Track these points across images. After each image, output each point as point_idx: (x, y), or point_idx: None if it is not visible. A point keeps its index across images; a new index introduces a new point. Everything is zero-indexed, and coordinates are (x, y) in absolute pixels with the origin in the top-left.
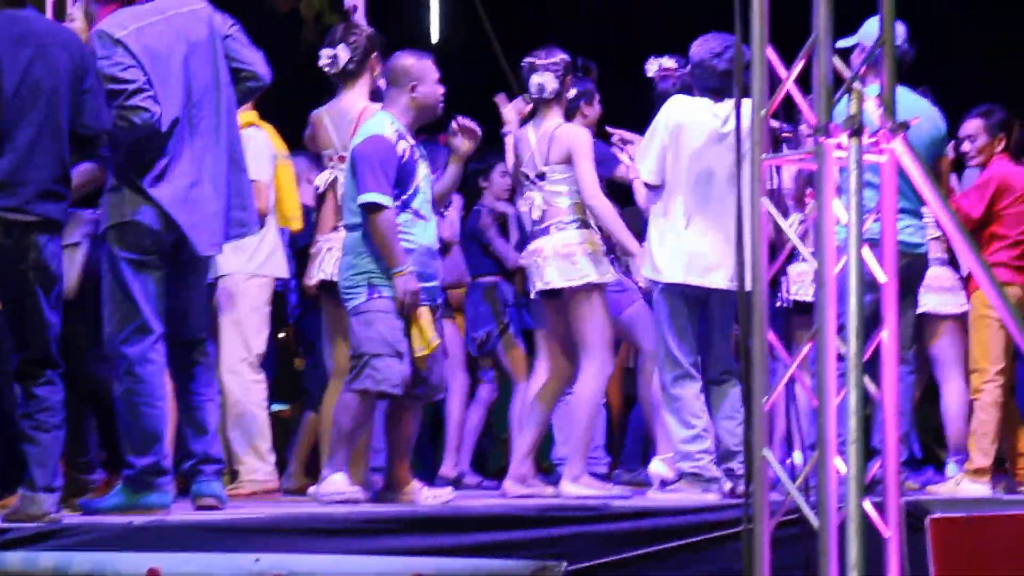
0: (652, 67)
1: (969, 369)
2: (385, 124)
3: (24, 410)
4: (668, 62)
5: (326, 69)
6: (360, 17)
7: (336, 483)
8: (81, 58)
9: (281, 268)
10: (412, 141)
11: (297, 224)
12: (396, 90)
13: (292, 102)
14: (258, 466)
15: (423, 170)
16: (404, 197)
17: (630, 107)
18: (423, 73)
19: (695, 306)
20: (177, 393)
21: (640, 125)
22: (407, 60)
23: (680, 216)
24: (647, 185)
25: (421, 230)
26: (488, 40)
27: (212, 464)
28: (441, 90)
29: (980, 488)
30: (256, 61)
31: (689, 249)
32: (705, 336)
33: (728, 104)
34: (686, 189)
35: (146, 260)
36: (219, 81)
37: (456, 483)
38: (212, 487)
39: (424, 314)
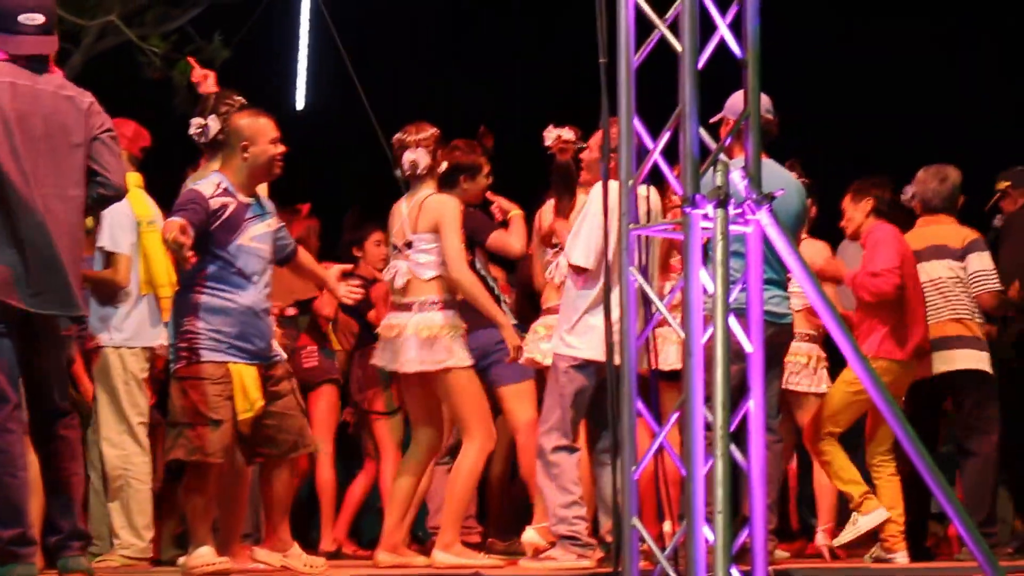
0: (550, 136)
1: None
2: (209, 181)
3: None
4: (567, 133)
5: (195, 138)
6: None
7: (204, 555)
8: None
9: (154, 337)
10: (245, 200)
11: (166, 291)
12: (228, 150)
13: (165, 167)
14: (131, 541)
15: (255, 231)
16: (221, 253)
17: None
18: (255, 133)
19: (595, 383)
20: (41, 465)
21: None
22: (240, 120)
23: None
24: (577, 268)
25: (242, 290)
26: (353, 107)
27: (78, 540)
28: (276, 150)
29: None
30: (114, 170)
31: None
32: (596, 409)
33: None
34: (604, 270)
35: None
36: (55, 172)
37: (335, 555)
38: (79, 562)
39: (246, 375)
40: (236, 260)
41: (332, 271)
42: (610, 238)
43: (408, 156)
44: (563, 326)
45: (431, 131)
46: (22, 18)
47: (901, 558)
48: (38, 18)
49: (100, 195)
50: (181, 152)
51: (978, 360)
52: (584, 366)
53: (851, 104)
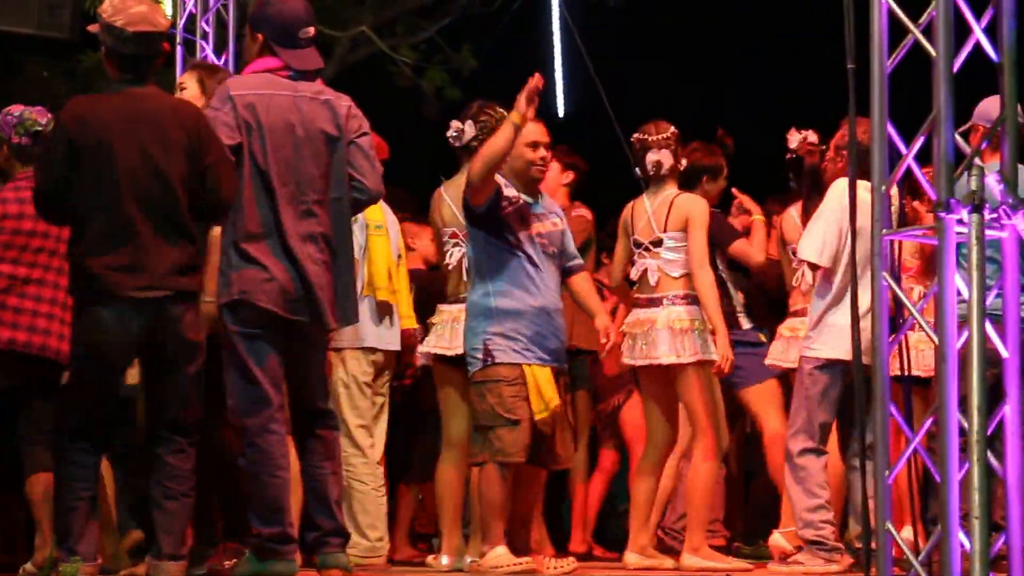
0: (794, 140)
1: None
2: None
3: (154, 477)
4: (812, 136)
5: (451, 141)
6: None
7: (500, 556)
8: (197, 133)
9: (376, 339)
10: (527, 198)
11: (384, 293)
12: None
13: (415, 174)
14: (356, 540)
15: (540, 228)
16: (512, 249)
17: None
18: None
19: (845, 385)
20: (300, 464)
21: (763, 199)
22: None
23: (844, 295)
24: (812, 265)
25: (538, 292)
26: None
27: (337, 536)
28: (531, 154)
29: None
30: (368, 174)
31: (848, 327)
32: (854, 415)
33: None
34: (859, 270)
35: (259, 333)
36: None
37: (586, 556)
38: (337, 558)
39: (540, 375)
40: (528, 252)
41: (601, 320)
42: (859, 239)
43: (652, 156)
44: (808, 327)
45: (671, 130)
46: (302, 32)
47: None
48: (311, 31)
49: (355, 199)
50: (430, 159)
51: None
52: (827, 366)
53: None
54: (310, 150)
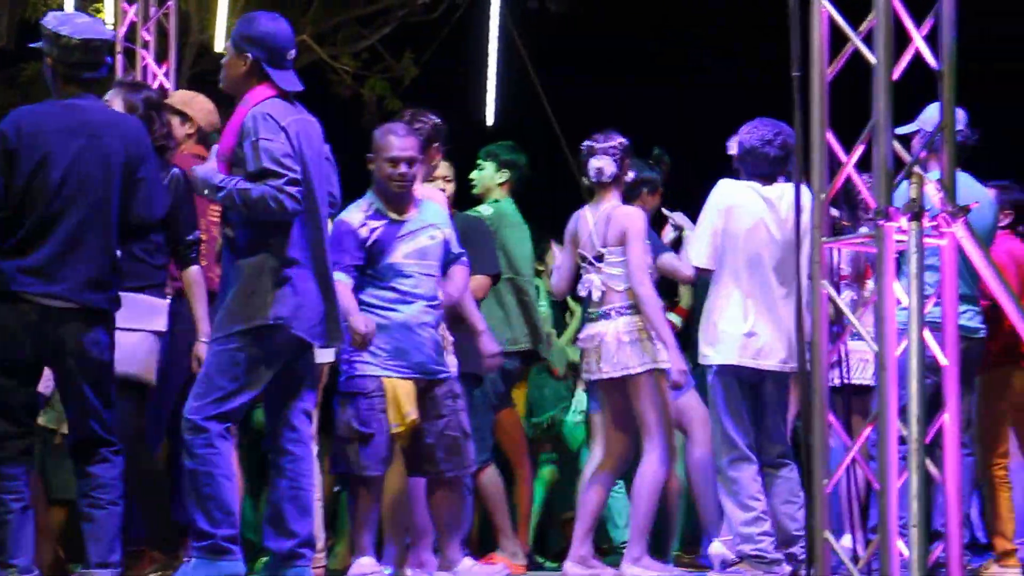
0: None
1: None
2: (356, 206)
3: (80, 488)
4: None
5: None
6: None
7: (364, 565)
8: (137, 148)
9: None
10: (393, 217)
11: None
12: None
13: (355, 184)
14: None
15: (406, 248)
16: (371, 273)
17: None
18: (377, 148)
19: (748, 388)
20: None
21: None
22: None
23: (732, 298)
24: (698, 269)
25: (398, 307)
26: (541, 123)
27: (311, 547)
28: (391, 169)
29: (1010, 573)
30: (336, 186)
31: (743, 331)
32: (760, 419)
33: (777, 187)
34: (737, 271)
35: (273, 358)
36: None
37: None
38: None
39: (400, 389)
40: (387, 278)
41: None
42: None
43: (595, 162)
44: (700, 334)
45: (619, 140)
46: (290, 54)
47: None
48: (293, 53)
49: (330, 213)
50: (368, 169)
51: None
52: (720, 371)
53: None
54: (323, 171)
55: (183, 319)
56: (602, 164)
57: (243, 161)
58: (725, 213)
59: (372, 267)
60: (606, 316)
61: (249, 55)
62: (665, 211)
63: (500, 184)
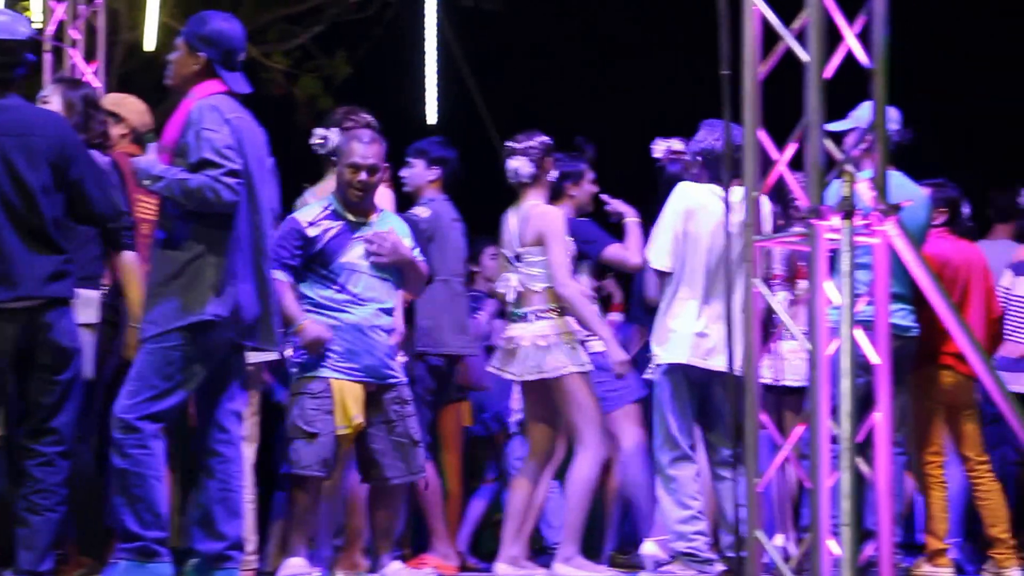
0: (660, 148)
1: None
2: (313, 205)
3: (20, 491)
4: (677, 144)
5: (316, 149)
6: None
7: (294, 566)
8: (62, 146)
9: None
10: (352, 219)
11: None
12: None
13: (286, 183)
14: None
15: (361, 250)
16: (324, 274)
17: (631, 185)
18: (342, 153)
19: (697, 389)
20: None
21: (641, 204)
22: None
23: (688, 299)
24: (658, 272)
25: (351, 308)
26: (481, 121)
27: (240, 549)
28: (352, 176)
29: (941, 572)
30: (275, 200)
31: (694, 331)
32: (710, 420)
33: (737, 190)
34: (695, 274)
35: (209, 356)
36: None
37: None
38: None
39: (347, 391)
40: (339, 278)
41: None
42: (697, 240)
43: (511, 163)
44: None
45: (539, 139)
46: (240, 56)
47: (1014, 573)
48: (243, 55)
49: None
50: (300, 168)
51: None
52: (670, 371)
53: (983, 111)
54: (264, 176)
55: (115, 311)
56: (518, 165)
57: (186, 152)
58: (685, 216)
59: (325, 267)
60: (524, 319)
61: (202, 54)
62: (604, 197)
63: (431, 182)
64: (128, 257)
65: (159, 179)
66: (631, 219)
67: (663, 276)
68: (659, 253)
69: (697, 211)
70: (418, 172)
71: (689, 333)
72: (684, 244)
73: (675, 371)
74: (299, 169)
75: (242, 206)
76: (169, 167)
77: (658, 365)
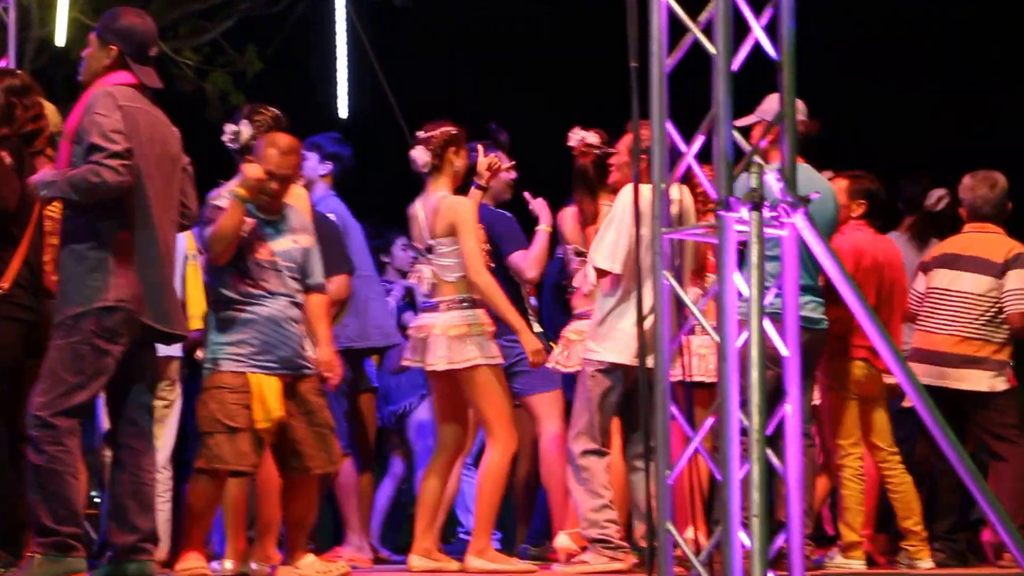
0: (575, 138)
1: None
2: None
3: None
4: (592, 138)
5: (228, 144)
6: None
7: (191, 558)
8: None
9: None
10: (262, 216)
11: (196, 323)
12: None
13: (197, 179)
14: None
15: (273, 246)
16: (239, 267)
17: (546, 178)
18: (258, 157)
19: (623, 387)
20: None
21: (556, 195)
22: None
23: (628, 299)
24: (600, 272)
25: (264, 302)
26: (396, 115)
27: (153, 541)
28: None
29: (854, 564)
30: (193, 200)
31: (631, 331)
32: (632, 415)
33: (676, 188)
34: (643, 274)
35: (118, 343)
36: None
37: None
38: (149, 567)
39: (265, 384)
40: (253, 275)
41: (324, 352)
42: (642, 241)
43: (413, 154)
44: (591, 331)
45: (440, 130)
46: (151, 50)
47: (926, 564)
48: (155, 49)
49: (181, 224)
50: (213, 164)
51: (986, 382)
52: (610, 370)
53: (887, 105)
54: (169, 171)
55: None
56: (417, 155)
57: (83, 137)
58: (641, 218)
59: (239, 263)
60: (435, 309)
61: (113, 47)
62: (527, 195)
63: (322, 176)
64: None
65: (50, 184)
66: (543, 227)
67: (604, 275)
68: (610, 255)
69: (645, 213)
70: (311, 166)
71: (628, 332)
72: (636, 246)
73: (616, 371)
74: (211, 165)
75: (138, 193)
76: (58, 171)
77: (599, 362)
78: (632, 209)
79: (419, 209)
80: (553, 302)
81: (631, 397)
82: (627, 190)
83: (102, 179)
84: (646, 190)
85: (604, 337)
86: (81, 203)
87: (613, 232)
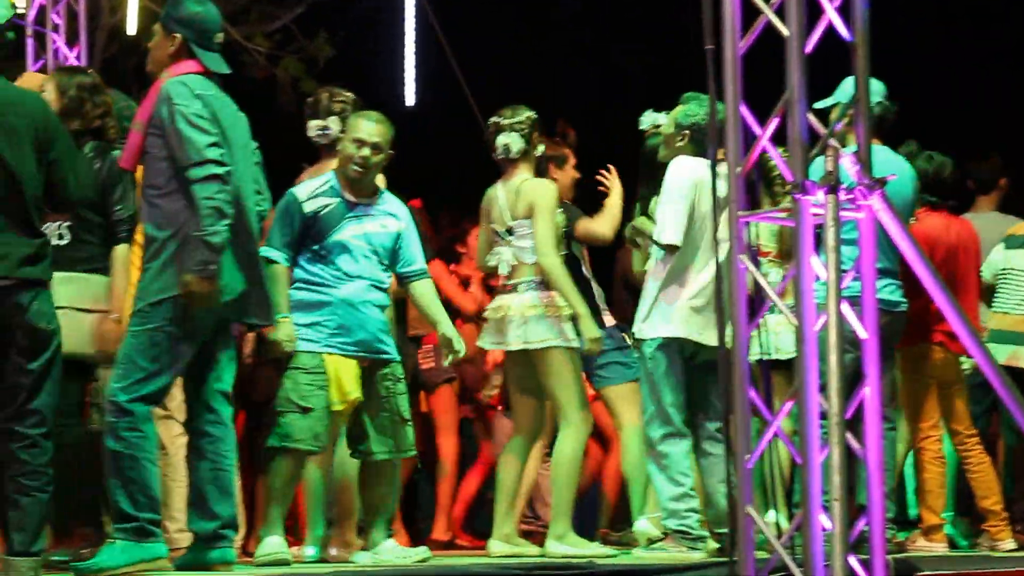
0: (646, 120)
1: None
2: (312, 181)
3: (7, 473)
4: (663, 119)
5: (317, 140)
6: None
7: (271, 545)
8: (45, 127)
9: None
10: (342, 199)
11: None
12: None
13: (269, 166)
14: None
15: (357, 228)
16: (316, 250)
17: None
18: (347, 130)
19: (688, 364)
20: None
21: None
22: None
23: (686, 274)
24: (667, 247)
25: (341, 284)
26: (461, 102)
27: (234, 528)
28: (354, 151)
29: (936, 547)
30: (262, 183)
31: (689, 306)
32: (701, 396)
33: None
34: (698, 249)
35: (194, 333)
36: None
37: (449, 545)
38: (231, 554)
39: (341, 366)
40: (331, 256)
41: (444, 329)
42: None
43: (502, 139)
44: (642, 310)
45: (527, 114)
46: (217, 36)
47: (1008, 545)
48: (220, 36)
49: (259, 214)
50: (284, 150)
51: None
52: (664, 344)
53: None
54: (246, 157)
55: None
56: (508, 141)
57: (160, 126)
58: (694, 190)
59: (318, 243)
60: (514, 290)
61: (177, 35)
62: (603, 172)
63: None
64: (121, 250)
65: (201, 260)
66: (611, 200)
67: (673, 251)
68: (671, 228)
69: (701, 186)
70: None
71: (685, 307)
72: (690, 219)
73: (670, 345)
74: (282, 152)
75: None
76: (195, 246)
77: (652, 339)
78: (699, 183)
79: (499, 191)
80: (622, 291)
81: (698, 378)
82: (677, 163)
83: (220, 181)
84: (694, 163)
85: (656, 313)
86: (162, 191)
87: (671, 207)
